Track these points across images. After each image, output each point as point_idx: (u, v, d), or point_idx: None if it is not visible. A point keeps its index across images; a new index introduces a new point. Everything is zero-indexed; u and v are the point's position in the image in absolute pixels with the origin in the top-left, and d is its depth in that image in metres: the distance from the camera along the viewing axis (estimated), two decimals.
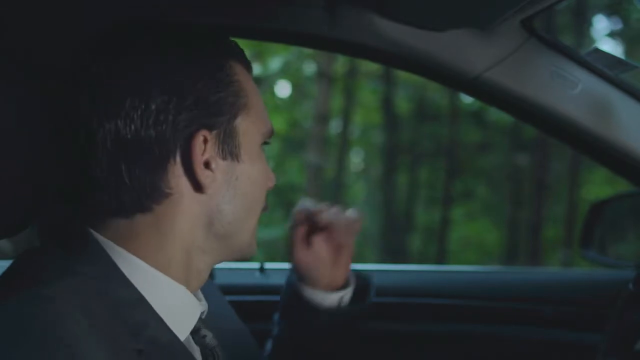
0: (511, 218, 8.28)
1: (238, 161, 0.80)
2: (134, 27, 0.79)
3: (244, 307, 1.51)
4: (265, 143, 0.85)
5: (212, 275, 1.46)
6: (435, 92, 7.91)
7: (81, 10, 0.96)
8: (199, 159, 0.75)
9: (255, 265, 1.62)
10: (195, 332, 0.81)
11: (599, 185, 7.52)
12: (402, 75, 7.20)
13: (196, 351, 0.81)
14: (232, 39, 0.85)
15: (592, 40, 7.54)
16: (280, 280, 1.61)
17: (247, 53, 0.87)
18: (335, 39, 1.06)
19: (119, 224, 0.75)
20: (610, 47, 7.90)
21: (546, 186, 7.22)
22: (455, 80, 1.10)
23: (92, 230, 0.75)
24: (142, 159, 0.74)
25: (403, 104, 8.41)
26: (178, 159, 0.75)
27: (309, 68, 7.75)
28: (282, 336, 1.09)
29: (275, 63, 7.06)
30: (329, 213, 1.03)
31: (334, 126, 7.99)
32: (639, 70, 1.08)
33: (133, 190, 0.74)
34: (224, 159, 0.78)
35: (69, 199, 0.80)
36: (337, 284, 1.06)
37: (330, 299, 1.04)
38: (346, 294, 1.06)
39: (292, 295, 1.07)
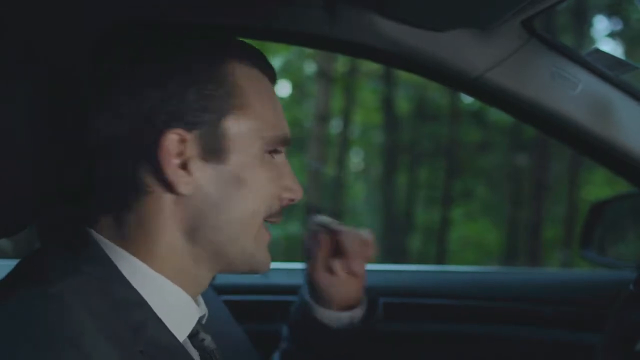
0: (511, 218, 8.28)
1: (225, 164, 0.75)
2: (132, 28, 0.79)
3: (244, 307, 1.51)
4: (276, 151, 0.81)
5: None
6: (435, 92, 7.91)
7: (81, 10, 0.96)
8: (169, 158, 0.73)
9: None
10: (193, 336, 0.80)
11: (599, 185, 7.53)
12: (403, 75, 7.21)
13: (195, 355, 0.80)
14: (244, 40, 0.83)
15: (593, 41, 7.54)
16: (280, 280, 1.62)
17: None
18: (335, 39, 1.06)
19: (112, 223, 0.76)
20: (611, 47, 7.91)
21: (546, 186, 7.23)
22: (455, 80, 1.10)
23: (91, 230, 0.76)
24: (124, 156, 0.74)
25: (403, 103, 8.42)
26: (151, 157, 0.73)
27: (309, 68, 7.75)
28: (291, 352, 1.08)
29: (275, 62, 7.06)
30: (347, 237, 1.02)
31: (334, 126, 7.99)
32: (639, 70, 1.08)
33: (117, 188, 0.75)
34: (206, 160, 0.75)
35: (67, 198, 0.80)
36: (350, 304, 1.05)
37: (343, 318, 1.04)
38: (357, 313, 1.05)
39: (303, 313, 1.05)
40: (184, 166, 0.74)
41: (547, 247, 7.72)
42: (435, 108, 8.35)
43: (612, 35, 7.81)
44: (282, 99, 8.33)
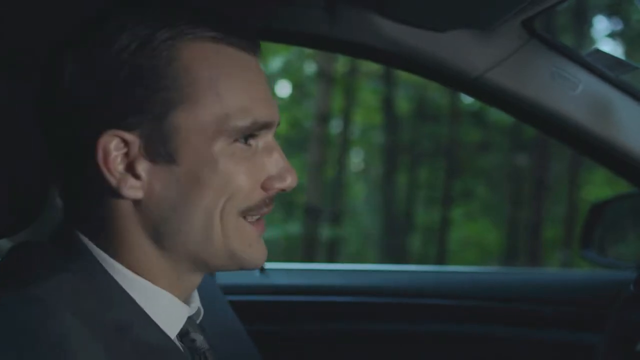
0: (511, 218, 8.28)
1: (177, 163, 0.67)
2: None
3: (244, 307, 1.51)
4: (253, 136, 0.70)
5: (212, 276, 1.46)
6: (436, 92, 7.91)
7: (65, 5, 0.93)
8: (109, 162, 0.66)
9: None
10: (184, 336, 0.77)
11: (599, 185, 7.52)
12: (402, 75, 7.20)
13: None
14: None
15: (593, 41, 7.54)
16: (280, 280, 1.62)
17: None
18: (335, 39, 1.06)
19: (90, 225, 0.72)
20: (611, 47, 7.91)
21: (546, 186, 7.22)
22: (455, 80, 1.10)
23: (78, 232, 0.72)
24: (74, 161, 0.70)
25: (403, 104, 8.41)
26: (92, 161, 0.67)
27: (310, 68, 7.75)
28: None
29: (276, 63, 7.06)
30: None
31: (335, 126, 7.99)
32: (639, 71, 1.08)
33: (76, 194, 0.71)
34: (154, 161, 0.67)
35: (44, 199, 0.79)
36: None
37: None
38: None
39: None
40: (130, 169, 0.67)
41: (547, 247, 7.71)
42: (436, 108, 8.35)
43: (612, 35, 7.81)
44: (282, 99, 8.32)
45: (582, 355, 1.45)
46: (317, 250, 6.72)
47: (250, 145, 0.71)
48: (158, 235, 0.70)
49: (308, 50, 6.28)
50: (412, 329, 1.56)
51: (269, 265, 1.62)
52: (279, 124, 0.74)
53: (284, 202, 7.96)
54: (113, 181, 0.67)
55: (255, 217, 0.73)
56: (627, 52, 7.67)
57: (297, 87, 8.20)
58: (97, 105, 0.66)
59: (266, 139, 0.72)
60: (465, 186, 8.67)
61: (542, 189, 7.16)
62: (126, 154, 0.67)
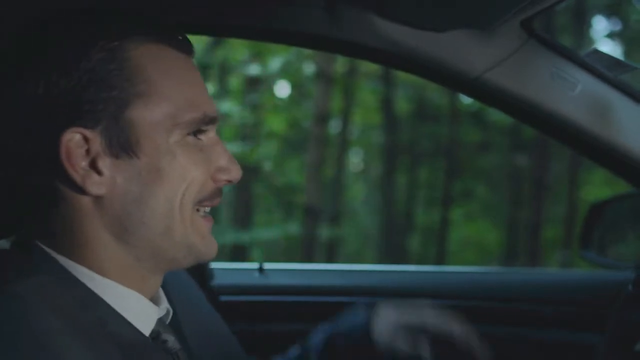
0: (511, 218, 8.28)
1: (138, 157, 0.70)
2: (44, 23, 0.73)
3: (243, 307, 1.51)
4: (200, 131, 0.75)
5: (210, 275, 1.46)
6: (435, 92, 7.91)
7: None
8: (72, 159, 0.68)
9: (254, 265, 1.62)
10: (155, 338, 0.77)
11: (599, 186, 7.53)
12: (402, 75, 7.20)
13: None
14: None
15: (592, 41, 7.54)
16: (280, 280, 1.62)
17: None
18: (335, 40, 1.06)
19: (45, 230, 0.73)
20: (610, 48, 7.91)
21: (546, 187, 7.23)
22: (455, 81, 1.10)
23: (37, 242, 0.73)
24: (31, 163, 0.70)
25: (403, 104, 8.42)
26: (51, 160, 0.69)
27: (309, 68, 7.75)
28: None
29: (275, 63, 7.06)
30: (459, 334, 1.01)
31: (334, 126, 7.99)
32: (638, 71, 1.09)
33: (35, 196, 0.72)
34: (116, 156, 0.70)
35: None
36: None
37: None
38: None
39: None
40: (93, 165, 0.70)
41: (547, 248, 7.72)
42: (435, 108, 8.35)
43: (611, 35, 7.81)
44: (281, 99, 8.30)
45: (582, 355, 1.45)
46: (316, 251, 6.73)
47: (199, 139, 0.75)
48: (121, 231, 0.72)
49: (307, 51, 6.28)
50: None
51: (268, 266, 1.62)
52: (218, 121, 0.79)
53: (283, 202, 7.96)
54: (77, 178, 0.69)
55: (206, 211, 0.78)
56: (626, 53, 7.68)
57: (296, 87, 8.20)
58: (57, 106, 0.68)
59: (211, 134, 0.77)
60: (465, 186, 8.68)
61: (542, 189, 7.17)
62: (87, 151, 0.70)
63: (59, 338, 0.63)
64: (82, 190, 0.70)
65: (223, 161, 0.77)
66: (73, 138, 0.69)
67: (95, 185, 0.70)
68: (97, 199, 0.71)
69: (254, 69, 6.96)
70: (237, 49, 6.67)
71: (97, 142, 0.69)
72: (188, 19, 1.02)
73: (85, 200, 0.71)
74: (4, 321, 0.63)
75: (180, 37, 0.76)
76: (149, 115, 0.71)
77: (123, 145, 0.70)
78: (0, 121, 0.72)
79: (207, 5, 1.01)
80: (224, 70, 7.55)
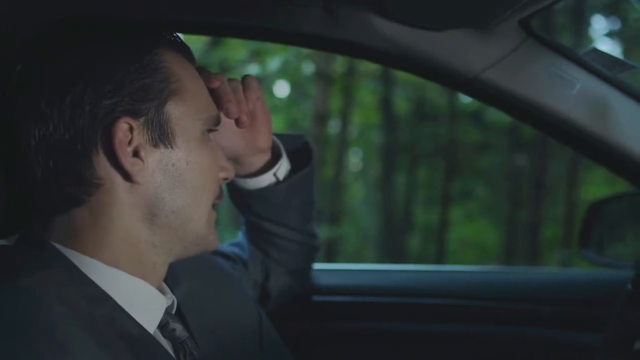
0: (510, 218, 8.28)
1: (172, 148, 0.78)
2: (62, 26, 0.79)
3: None
4: (212, 130, 0.84)
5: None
6: (434, 92, 7.91)
7: (10, 9, 0.91)
8: (123, 147, 0.74)
9: None
10: (163, 326, 0.81)
11: (598, 185, 7.53)
12: (401, 75, 7.21)
13: (166, 345, 0.81)
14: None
15: (590, 40, 7.54)
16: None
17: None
18: (333, 39, 1.05)
19: (60, 223, 0.76)
20: (609, 47, 7.91)
21: (545, 186, 7.23)
22: (453, 80, 1.10)
23: (43, 233, 0.76)
24: (66, 153, 0.74)
25: (402, 104, 8.42)
26: (101, 149, 0.74)
27: (308, 68, 7.75)
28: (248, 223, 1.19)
29: (274, 63, 7.06)
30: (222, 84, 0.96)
31: (333, 126, 7.98)
32: (637, 70, 1.08)
33: (64, 186, 0.74)
34: (155, 146, 0.77)
35: (16, 203, 0.80)
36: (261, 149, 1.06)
37: (263, 180, 1.07)
38: (279, 168, 1.08)
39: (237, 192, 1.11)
40: (135, 154, 0.76)
41: (546, 247, 7.72)
42: (434, 108, 8.35)
43: (610, 34, 7.81)
44: (280, 99, 8.29)
45: (582, 355, 1.45)
46: None
47: (210, 139, 0.84)
48: (149, 217, 0.77)
49: (306, 51, 6.28)
50: (411, 328, 1.56)
51: None
52: None
53: None
54: (127, 165, 0.74)
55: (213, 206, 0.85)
56: (625, 52, 7.68)
57: (295, 87, 8.20)
58: (106, 98, 0.74)
59: (214, 135, 0.85)
60: (464, 186, 8.67)
61: (541, 188, 7.17)
62: (131, 141, 0.75)
63: (66, 329, 0.66)
64: (126, 177, 0.75)
65: (223, 160, 0.86)
66: (123, 127, 0.74)
67: (139, 173, 0.75)
68: (133, 186, 0.76)
69: (252, 69, 6.96)
70: (236, 48, 6.68)
71: (140, 132, 0.76)
72: (188, 19, 1.02)
73: (120, 187, 0.76)
74: (14, 312, 0.66)
75: (189, 49, 0.85)
76: (181, 110, 0.78)
77: (162, 136, 0.77)
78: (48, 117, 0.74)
79: (206, 5, 1.00)
80: (223, 70, 7.55)
